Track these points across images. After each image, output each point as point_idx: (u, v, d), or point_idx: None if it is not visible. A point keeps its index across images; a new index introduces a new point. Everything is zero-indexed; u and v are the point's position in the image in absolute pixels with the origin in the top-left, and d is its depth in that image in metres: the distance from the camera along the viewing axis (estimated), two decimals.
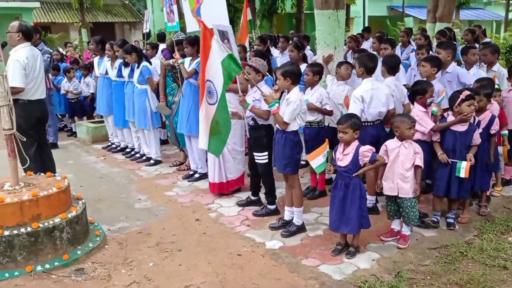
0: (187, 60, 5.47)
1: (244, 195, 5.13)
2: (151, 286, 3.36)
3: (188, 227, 4.43)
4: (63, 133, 8.80)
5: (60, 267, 3.60)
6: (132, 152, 7.03)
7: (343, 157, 3.66)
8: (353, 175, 3.62)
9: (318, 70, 4.87)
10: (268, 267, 3.60)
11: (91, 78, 8.53)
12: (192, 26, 4.76)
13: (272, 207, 4.64)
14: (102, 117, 7.86)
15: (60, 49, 10.48)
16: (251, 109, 4.22)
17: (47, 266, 3.56)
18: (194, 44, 5.24)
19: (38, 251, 3.56)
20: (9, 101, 3.78)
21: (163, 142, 7.45)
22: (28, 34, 4.54)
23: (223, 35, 4.26)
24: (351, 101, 4.40)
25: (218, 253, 3.86)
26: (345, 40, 7.58)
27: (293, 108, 3.88)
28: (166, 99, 6.19)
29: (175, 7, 5.15)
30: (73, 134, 8.77)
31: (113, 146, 7.50)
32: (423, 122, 4.21)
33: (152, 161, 6.57)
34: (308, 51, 7.90)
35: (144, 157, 6.75)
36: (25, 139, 3.99)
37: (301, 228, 4.17)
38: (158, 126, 6.63)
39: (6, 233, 3.47)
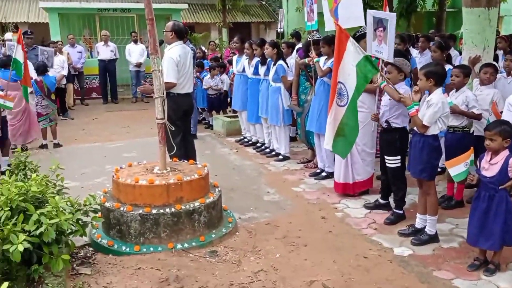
0: (322, 59, 5.52)
1: (372, 198, 5.02)
2: (278, 276, 3.47)
3: (314, 224, 4.49)
4: (201, 125, 9.46)
5: (196, 248, 3.91)
6: (263, 147, 7.31)
7: (490, 167, 3.37)
8: (500, 187, 3.32)
9: (468, 72, 4.56)
10: (396, 274, 3.48)
11: (227, 75, 9.07)
12: (330, 25, 4.78)
13: (400, 211, 4.48)
14: (236, 112, 8.30)
15: (203, 47, 11.28)
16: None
17: (186, 245, 3.90)
18: (331, 44, 5.24)
19: (179, 231, 3.92)
20: (163, 94, 4.21)
21: (292, 139, 7.61)
22: (181, 33, 4.98)
23: (379, 23, 4.16)
24: (504, 109, 4.04)
25: (343, 253, 3.85)
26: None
27: (434, 110, 3.69)
28: (299, 98, 6.32)
29: (315, 7, 5.22)
30: (210, 126, 9.39)
31: (245, 140, 7.87)
32: None
33: (280, 157, 6.76)
34: (453, 52, 7.37)
35: (273, 152, 6.97)
36: (173, 129, 4.41)
37: (434, 238, 3.95)
38: (289, 123, 6.79)
39: (154, 211, 3.87)
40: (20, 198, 2.99)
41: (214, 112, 9.52)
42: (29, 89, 6.73)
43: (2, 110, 5.93)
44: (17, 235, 2.80)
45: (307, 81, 6.19)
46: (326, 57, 5.46)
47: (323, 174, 5.84)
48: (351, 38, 4.05)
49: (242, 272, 3.53)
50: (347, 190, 5.17)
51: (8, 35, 11.27)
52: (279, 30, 12.44)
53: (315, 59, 5.46)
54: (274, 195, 5.35)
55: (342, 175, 5.13)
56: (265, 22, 23.08)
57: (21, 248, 2.74)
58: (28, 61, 8.44)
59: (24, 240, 2.79)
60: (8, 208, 2.94)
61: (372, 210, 4.77)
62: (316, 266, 3.63)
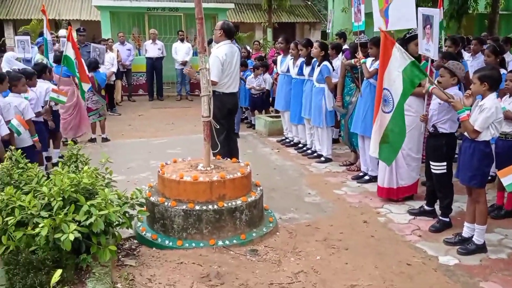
0: (369, 60, 5.43)
1: (417, 204, 4.90)
2: (318, 279, 3.45)
3: (356, 228, 4.43)
4: (243, 125, 9.53)
5: (237, 245, 3.94)
6: (304, 148, 7.28)
7: None
8: None
9: None
10: (441, 283, 3.39)
11: (270, 75, 9.08)
12: (379, 25, 4.70)
13: (446, 219, 4.35)
14: (278, 112, 8.30)
15: (248, 47, 11.35)
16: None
17: (227, 242, 3.94)
18: (379, 45, 5.15)
19: (220, 228, 3.96)
20: (209, 92, 4.27)
21: (334, 141, 7.54)
22: (229, 32, 5.03)
23: (427, 20, 4.11)
24: None
25: (385, 259, 3.78)
26: None
27: (487, 115, 3.56)
28: (343, 99, 6.25)
29: (363, 7, 5.15)
30: (252, 126, 9.44)
31: (287, 140, 7.86)
32: None
33: (322, 158, 6.71)
34: (509, 56, 7.06)
35: (315, 154, 6.92)
36: (218, 127, 4.46)
37: (482, 248, 3.81)
38: (331, 125, 6.73)
39: (197, 207, 3.94)
40: (72, 189, 3.12)
41: (256, 111, 9.56)
42: (86, 86, 6.96)
43: (55, 104, 6.19)
44: (68, 225, 2.92)
45: (353, 82, 6.12)
46: (373, 58, 5.38)
47: (366, 177, 5.75)
48: (396, 44, 4.01)
49: (282, 272, 3.53)
50: (391, 195, 5.07)
51: (62, 32, 11.75)
52: (327, 31, 12.33)
53: (362, 60, 5.39)
54: (315, 196, 5.32)
55: (386, 180, 5.03)
56: (310, 23, 22.97)
57: (71, 237, 2.86)
58: None
59: (75, 229, 2.91)
60: (61, 198, 3.08)
61: (416, 217, 4.66)
62: (357, 270, 3.58)
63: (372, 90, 5.41)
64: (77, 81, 7.17)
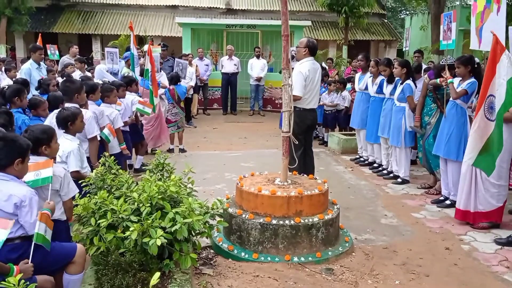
0: (457, 80, 5.22)
1: (504, 233, 4.60)
2: None
3: (437, 254, 4.23)
4: (315, 141, 9.48)
5: (312, 263, 3.90)
6: (380, 168, 7.09)
7: None
8: None
9: None
10: None
11: (347, 92, 8.99)
12: (474, 45, 4.52)
13: None
14: (352, 129, 8.17)
15: (323, 64, 11.33)
16: None
17: (302, 259, 3.92)
18: (467, 65, 4.98)
19: (296, 244, 3.95)
20: (290, 108, 4.31)
21: (412, 163, 7.28)
22: (313, 50, 5.07)
23: None
24: None
25: None
26: None
27: None
28: (422, 120, 6.05)
29: (453, 25, 4.98)
30: (324, 143, 9.37)
31: (361, 159, 7.71)
32: None
33: (399, 180, 6.50)
34: None
35: (391, 174, 6.73)
36: (296, 142, 4.48)
37: None
38: (410, 146, 6.52)
39: (274, 221, 3.96)
40: (159, 196, 3.26)
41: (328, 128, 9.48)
42: (156, 100, 7.30)
43: (140, 115, 6.55)
44: (155, 230, 3.05)
45: (434, 102, 5.90)
46: (460, 78, 5.16)
47: (447, 202, 5.48)
48: (506, 51, 3.84)
49: None
50: (467, 219, 4.82)
51: (147, 47, 12.41)
52: (404, 49, 12.05)
53: (449, 80, 5.17)
54: (392, 219, 5.15)
55: (462, 201, 4.79)
56: (386, 40, 22.54)
57: (158, 242, 2.98)
58: (161, 71, 9.28)
59: (161, 235, 3.03)
60: (149, 205, 3.23)
61: (504, 247, 4.36)
62: None
63: (458, 111, 5.20)
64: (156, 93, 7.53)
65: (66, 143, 3.91)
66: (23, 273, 2.55)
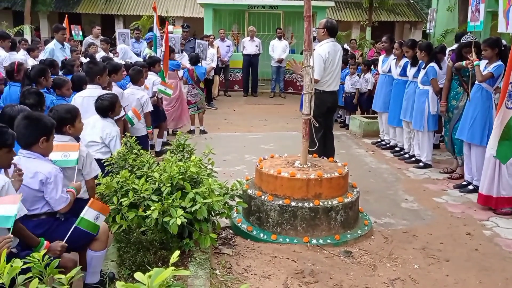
0: (483, 62, 5.08)
1: None
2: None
3: (458, 239, 4.19)
4: (336, 124, 9.41)
5: (330, 245, 3.92)
6: (401, 152, 7.01)
7: None
8: None
9: None
10: None
11: (371, 75, 8.86)
12: (501, 27, 4.38)
13: None
14: (375, 112, 8.08)
15: (346, 46, 11.18)
16: None
17: (321, 241, 3.93)
18: (495, 47, 4.84)
19: (315, 226, 3.96)
20: (311, 90, 4.28)
21: (435, 147, 7.17)
22: (332, 31, 4.99)
23: None
24: None
25: (491, 275, 3.54)
26: None
27: None
28: (448, 104, 5.93)
29: (482, 6, 4.82)
30: (345, 126, 9.29)
31: (383, 143, 7.63)
32: None
33: (421, 164, 6.41)
34: None
35: (413, 158, 6.65)
36: (316, 125, 4.46)
37: None
38: (433, 129, 6.41)
39: (293, 204, 3.97)
40: (180, 177, 3.30)
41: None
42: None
43: (161, 96, 6.59)
44: (175, 210, 3.10)
45: (460, 86, 5.77)
46: (487, 61, 5.02)
47: (470, 187, 5.40)
48: None
49: (378, 278, 3.45)
50: (489, 204, 4.77)
51: (170, 28, 12.43)
52: (427, 31, 11.73)
53: (475, 63, 5.03)
54: (412, 203, 5.11)
55: (485, 186, 4.73)
56: (411, 22, 22.02)
57: (179, 221, 3.03)
58: (183, 52, 9.30)
59: (181, 215, 3.08)
60: (169, 184, 3.27)
61: None
62: (460, 284, 3.40)
63: (484, 95, 5.08)
64: (179, 74, 7.56)
65: (109, 127, 4.19)
66: (51, 249, 2.63)
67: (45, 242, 2.66)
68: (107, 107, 4.22)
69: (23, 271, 1.75)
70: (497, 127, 4.05)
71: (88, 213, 2.81)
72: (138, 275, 1.31)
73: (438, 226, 4.47)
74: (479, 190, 4.90)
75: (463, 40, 6.07)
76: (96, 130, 4.16)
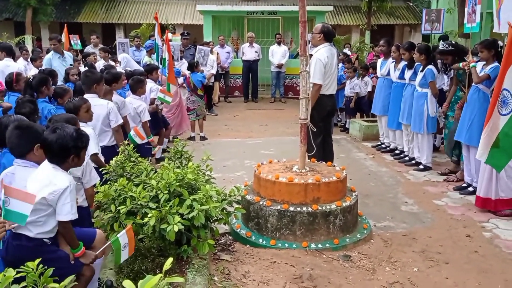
0: (480, 64, 5.09)
1: None
2: None
3: (457, 241, 4.18)
4: (336, 128, 9.42)
5: (329, 250, 3.91)
6: (401, 155, 7.01)
7: None
8: None
9: None
10: None
11: (369, 78, 8.87)
12: (495, 27, 4.39)
13: None
14: (374, 116, 8.08)
15: (347, 51, 11.20)
16: None
17: (320, 245, 3.93)
18: (491, 48, 4.85)
19: (313, 231, 3.96)
20: (308, 95, 4.29)
21: (435, 149, 7.16)
22: (329, 35, 5.01)
23: None
24: None
25: (491, 277, 3.53)
26: None
27: None
28: (451, 108, 5.95)
29: (478, 7, 4.82)
30: (345, 130, 9.30)
31: (383, 146, 7.63)
32: None
33: (421, 166, 6.41)
34: None
35: (413, 161, 6.64)
36: (315, 130, 4.47)
37: None
38: (432, 132, 6.41)
39: (291, 208, 3.97)
40: (177, 184, 3.32)
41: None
42: (173, 88, 7.37)
43: (161, 103, 6.62)
44: (173, 217, 3.11)
45: (461, 91, 5.78)
46: (484, 62, 5.03)
47: (470, 189, 5.39)
48: None
49: (377, 281, 3.44)
50: (487, 206, 4.76)
51: (169, 36, 12.48)
52: (431, 33, 11.73)
53: (472, 64, 5.05)
54: (412, 206, 5.10)
55: (483, 188, 4.73)
56: (411, 24, 22.03)
57: (176, 228, 3.04)
58: (183, 59, 9.34)
59: (179, 222, 3.09)
60: (167, 192, 3.28)
61: None
62: (459, 286, 3.39)
63: (481, 96, 5.09)
64: (179, 81, 7.58)
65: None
66: (85, 256, 2.74)
67: (83, 248, 2.73)
68: (69, 109, 3.89)
69: (17, 280, 1.77)
70: (487, 134, 4.04)
71: (122, 237, 2.72)
72: (126, 283, 1.32)
73: (437, 229, 4.46)
74: (476, 193, 4.89)
75: (441, 46, 6.14)
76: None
